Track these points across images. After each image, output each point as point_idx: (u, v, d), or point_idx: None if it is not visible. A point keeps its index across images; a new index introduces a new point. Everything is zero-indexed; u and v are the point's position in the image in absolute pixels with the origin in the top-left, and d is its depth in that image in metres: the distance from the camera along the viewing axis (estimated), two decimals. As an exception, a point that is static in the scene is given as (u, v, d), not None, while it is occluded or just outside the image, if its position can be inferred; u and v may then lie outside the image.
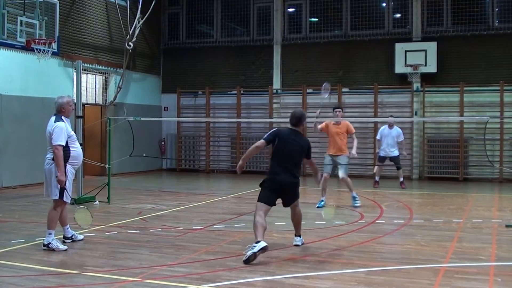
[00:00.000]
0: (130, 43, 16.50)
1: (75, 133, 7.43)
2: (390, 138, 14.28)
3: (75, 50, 15.65)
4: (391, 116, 15.22)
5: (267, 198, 6.82)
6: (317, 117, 10.88)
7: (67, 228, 7.44)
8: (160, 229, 8.43)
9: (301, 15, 18.32)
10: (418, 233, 8.26)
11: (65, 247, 7.03)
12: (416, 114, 16.70)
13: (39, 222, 8.63)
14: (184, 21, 19.63)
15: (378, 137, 14.60)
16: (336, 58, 17.77)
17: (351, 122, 11.10)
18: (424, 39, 16.78)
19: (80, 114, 11.44)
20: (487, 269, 6.24)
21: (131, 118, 11.81)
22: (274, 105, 18.23)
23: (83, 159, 8.32)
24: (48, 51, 12.14)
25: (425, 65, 16.29)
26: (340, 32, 17.81)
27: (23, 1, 12.37)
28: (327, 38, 17.77)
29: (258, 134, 18.31)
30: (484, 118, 12.35)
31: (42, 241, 7.11)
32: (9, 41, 12.05)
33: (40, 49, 12.01)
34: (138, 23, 16.70)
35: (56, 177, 6.93)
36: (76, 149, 7.21)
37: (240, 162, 7.14)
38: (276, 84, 18.29)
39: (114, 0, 16.90)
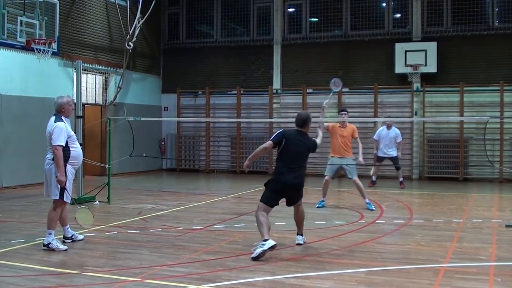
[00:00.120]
0: (130, 43, 16.51)
1: (75, 133, 7.43)
2: (388, 139, 14.27)
3: (75, 50, 15.64)
4: (389, 116, 15.20)
5: (269, 199, 6.95)
6: (323, 109, 10.23)
7: (67, 228, 7.44)
8: (160, 229, 8.43)
9: (301, 15, 18.31)
10: (418, 233, 8.26)
11: (65, 247, 7.03)
12: (416, 114, 16.69)
13: (39, 222, 8.62)
14: (184, 21, 19.63)
15: (375, 137, 14.57)
16: (336, 58, 17.76)
17: (350, 122, 11.07)
18: (424, 39, 16.77)
19: (80, 114, 11.44)
20: (487, 269, 6.25)
21: (131, 118, 11.81)
22: (274, 105, 18.22)
23: (83, 159, 8.31)
24: (48, 51, 12.13)
25: (425, 65, 16.28)
26: (340, 32, 17.80)
27: (23, 1, 12.36)
28: (327, 38, 17.76)
29: (258, 134, 18.38)
30: (484, 118, 12.35)
31: (42, 241, 7.11)
32: (9, 41, 12.03)
33: (40, 49, 12.00)
34: (138, 23, 16.70)
35: (56, 177, 6.93)
36: (76, 149, 7.21)
37: (247, 161, 7.25)
38: (276, 84, 18.29)
39: (114, 0, 16.90)
